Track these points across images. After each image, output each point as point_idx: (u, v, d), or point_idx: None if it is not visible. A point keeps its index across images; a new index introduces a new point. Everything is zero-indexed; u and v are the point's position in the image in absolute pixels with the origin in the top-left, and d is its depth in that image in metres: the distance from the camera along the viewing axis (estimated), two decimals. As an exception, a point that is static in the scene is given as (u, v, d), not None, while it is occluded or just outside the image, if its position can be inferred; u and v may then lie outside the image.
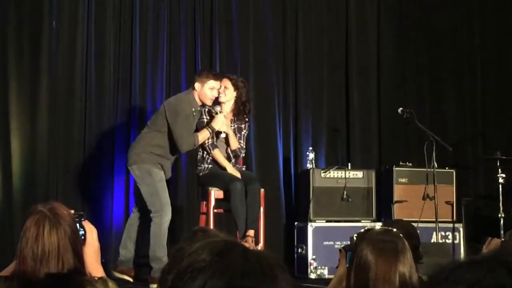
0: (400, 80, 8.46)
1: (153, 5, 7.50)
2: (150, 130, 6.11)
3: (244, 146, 6.33)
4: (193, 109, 6.07)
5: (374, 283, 2.52)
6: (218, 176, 6.14)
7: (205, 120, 6.15)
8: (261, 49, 7.90)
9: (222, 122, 6.06)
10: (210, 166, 6.20)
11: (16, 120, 6.89)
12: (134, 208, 6.32)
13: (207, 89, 6.03)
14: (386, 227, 2.98)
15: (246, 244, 5.79)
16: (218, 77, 6.13)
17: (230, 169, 6.15)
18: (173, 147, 6.07)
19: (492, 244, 3.58)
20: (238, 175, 6.10)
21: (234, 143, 6.21)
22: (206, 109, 6.16)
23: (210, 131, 6.04)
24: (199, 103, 6.11)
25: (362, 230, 2.88)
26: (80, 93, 7.16)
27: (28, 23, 7.04)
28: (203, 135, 6.05)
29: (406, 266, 2.55)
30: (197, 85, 6.07)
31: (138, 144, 6.13)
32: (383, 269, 2.53)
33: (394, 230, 2.75)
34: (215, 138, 6.18)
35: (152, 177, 5.97)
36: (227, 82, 6.20)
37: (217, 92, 6.09)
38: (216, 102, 6.21)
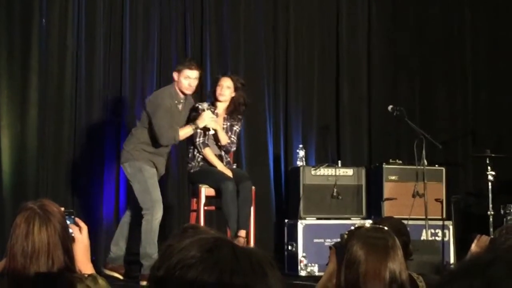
0: (390, 77, 8.48)
1: (144, 2, 7.48)
2: (138, 126, 6.11)
3: (235, 141, 6.33)
4: (176, 102, 6.06)
5: (364, 280, 2.53)
6: (209, 174, 6.14)
7: None
8: (252, 47, 7.90)
9: (209, 118, 6.05)
10: (201, 163, 6.20)
11: (6, 117, 6.87)
12: (127, 206, 6.31)
13: (182, 79, 6.03)
14: (377, 225, 3.00)
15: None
16: (193, 66, 6.09)
17: (221, 167, 6.15)
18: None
19: (481, 241, 3.59)
20: (229, 173, 6.11)
21: (224, 139, 6.21)
22: (199, 106, 6.15)
23: (194, 127, 6.02)
24: (181, 95, 6.10)
25: (353, 227, 2.89)
26: (70, 91, 7.14)
27: (18, 21, 7.01)
28: (185, 131, 6.02)
29: (396, 263, 2.56)
30: (175, 74, 6.09)
31: (129, 141, 6.12)
32: (373, 266, 2.54)
33: (385, 228, 2.77)
34: (206, 137, 6.18)
35: (143, 174, 5.96)
36: (229, 82, 6.21)
37: (194, 81, 6.04)
38: (213, 96, 6.20)
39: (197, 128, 6.04)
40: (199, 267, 1.22)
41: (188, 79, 6.02)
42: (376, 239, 2.60)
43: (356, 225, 2.93)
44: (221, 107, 6.23)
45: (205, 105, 6.10)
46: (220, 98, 6.20)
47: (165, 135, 5.92)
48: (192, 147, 6.23)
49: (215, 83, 6.33)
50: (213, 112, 6.10)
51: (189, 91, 6.09)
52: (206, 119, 6.04)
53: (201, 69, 6.32)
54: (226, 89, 6.19)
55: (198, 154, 6.20)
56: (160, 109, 5.94)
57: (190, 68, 6.04)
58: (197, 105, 6.15)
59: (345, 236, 2.76)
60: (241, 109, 6.29)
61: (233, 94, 6.23)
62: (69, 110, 7.13)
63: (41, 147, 6.99)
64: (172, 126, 5.96)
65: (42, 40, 7.08)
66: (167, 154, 6.22)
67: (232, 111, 6.25)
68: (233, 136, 6.28)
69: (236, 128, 6.31)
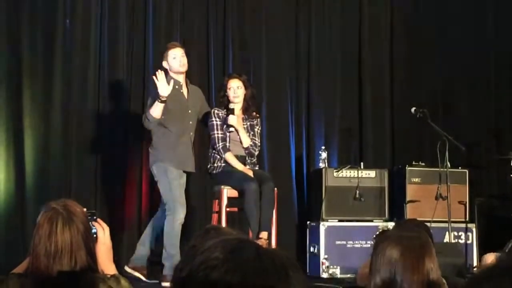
0: (413, 79, 8.43)
1: (166, 3, 7.50)
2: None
3: (258, 143, 6.33)
4: (177, 86, 6.06)
5: (402, 278, 2.49)
6: (232, 175, 6.14)
7: (215, 123, 6.17)
8: (274, 47, 7.90)
9: (234, 119, 6.08)
10: (223, 164, 6.21)
11: (29, 118, 6.91)
12: (159, 207, 6.30)
13: (171, 60, 6.05)
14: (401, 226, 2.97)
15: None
16: (175, 45, 6.16)
17: (242, 168, 6.15)
18: (179, 128, 6.05)
19: (487, 260, 3.55)
20: (251, 173, 6.10)
21: (246, 140, 6.21)
22: (215, 111, 6.17)
23: (160, 100, 5.85)
24: (179, 78, 6.11)
25: (380, 228, 2.87)
26: (93, 92, 7.17)
27: (42, 22, 7.06)
28: (153, 107, 5.89)
29: (433, 260, 2.54)
30: (164, 63, 6.11)
31: (152, 142, 6.14)
32: (411, 262, 2.51)
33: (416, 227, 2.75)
34: (228, 140, 6.18)
35: (167, 176, 5.98)
36: (239, 82, 6.23)
37: (183, 58, 6.06)
38: (227, 101, 6.21)
39: (161, 99, 5.83)
40: (222, 268, 1.22)
41: (175, 59, 6.05)
42: (410, 239, 2.58)
43: (382, 228, 2.90)
44: (237, 108, 6.24)
45: (233, 120, 6.13)
46: (235, 100, 6.21)
47: (145, 118, 5.93)
48: (213, 151, 6.24)
49: (223, 88, 6.31)
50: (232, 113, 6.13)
51: (183, 68, 6.10)
52: (232, 121, 6.07)
53: (183, 46, 6.31)
54: (238, 89, 6.21)
55: (219, 157, 6.21)
56: (151, 96, 5.99)
57: (173, 47, 6.09)
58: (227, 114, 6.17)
59: (377, 235, 2.73)
60: (255, 104, 6.32)
61: (244, 92, 6.24)
62: (93, 111, 7.15)
63: (64, 148, 7.02)
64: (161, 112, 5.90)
65: (66, 41, 7.11)
66: (191, 146, 6.15)
67: (247, 108, 6.27)
68: (256, 138, 6.27)
69: (257, 129, 6.31)
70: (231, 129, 6.14)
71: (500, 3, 8.67)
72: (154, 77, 5.87)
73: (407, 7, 8.49)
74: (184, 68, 6.11)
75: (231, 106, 6.16)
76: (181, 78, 6.14)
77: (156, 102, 5.86)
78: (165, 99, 5.84)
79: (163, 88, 5.82)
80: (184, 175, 6.11)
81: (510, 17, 8.67)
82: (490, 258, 3.57)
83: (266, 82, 7.73)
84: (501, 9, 8.65)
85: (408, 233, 2.64)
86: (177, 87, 6.07)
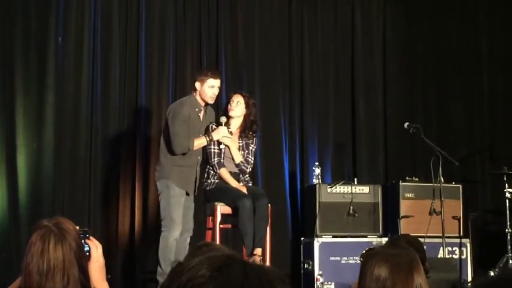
0: (406, 94, 8.45)
1: (159, 22, 7.52)
2: (163, 141, 6.13)
3: (252, 161, 6.34)
4: (197, 110, 6.08)
5: None
6: (226, 192, 6.13)
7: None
8: (267, 64, 7.91)
9: (224, 133, 6.09)
10: (217, 181, 6.21)
11: (22, 136, 6.90)
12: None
13: (207, 88, 6.05)
14: (392, 242, 2.97)
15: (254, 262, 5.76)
16: (217, 75, 6.15)
17: (236, 185, 6.15)
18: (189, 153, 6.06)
19: None
20: (245, 190, 6.10)
21: (237, 157, 6.23)
22: (213, 126, 6.18)
23: (208, 139, 6.03)
24: (202, 103, 6.12)
25: (368, 247, 2.87)
26: (86, 109, 7.16)
27: (35, 40, 7.06)
28: (200, 142, 6.03)
29: (421, 276, 2.54)
30: (197, 84, 6.10)
31: (159, 159, 6.15)
32: (400, 279, 2.51)
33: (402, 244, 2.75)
34: (222, 156, 6.19)
35: (168, 192, 5.99)
36: (240, 98, 6.25)
37: (217, 90, 6.08)
38: (225, 113, 6.24)
39: (211, 140, 6.06)
40: (209, 286, 1.22)
41: (213, 88, 6.05)
42: (398, 257, 2.58)
43: (373, 246, 2.90)
44: (235, 125, 6.25)
45: (224, 119, 6.13)
46: (230, 113, 6.22)
47: (178, 142, 5.94)
48: (208, 167, 6.24)
49: (227, 101, 6.37)
50: (228, 129, 6.13)
51: (212, 101, 6.12)
52: (222, 133, 6.07)
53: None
54: (236, 104, 6.22)
55: (213, 173, 6.22)
56: (178, 117, 5.97)
57: (215, 77, 6.08)
58: (218, 121, 6.17)
59: (363, 254, 2.73)
60: (253, 127, 6.31)
61: (244, 111, 6.25)
62: (85, 128, 7.14)
63: (57, 166, 7.00)
64: (187, 135, 5.97)
65: (58, 58, 7.12)
66: (196, 169, 6.18)
67: (244, 129, 6.28)
68: (250, 156, 6.28)
69: (252, 147, 6.32)
70: (222, 145, 6.15)
71: (493, 17, 8.70)
72: (222, 123, 6.07)
73: (400, 22, 8.52)
74: (213, 101, 6.14)
75: (223, 120, 6.14)
76: (203, 103, 6.16)
77: (205, 140, 6.03)
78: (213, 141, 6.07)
79: (221, 136, 6.09)
80: (189, 198, 6.11)
81: (504, 28, 8.70)
82: None
83: (260, 98, 7.74)
84: (495, 24, 8.69)
85: (395, 251, 2.64)
86: (196, 109, 6.09)
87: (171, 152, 5.99)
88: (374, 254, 2.65)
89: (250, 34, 7.88)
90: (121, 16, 7.38)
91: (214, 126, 6.16)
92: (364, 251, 2.76)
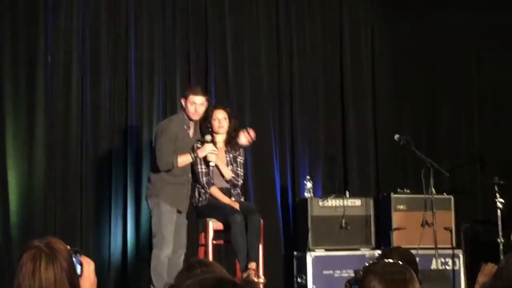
0: (396, 106, 8.48)
1: (147, 40, 7.52)
2: (154, 158, 6.11)
3: (242, 173, 6.32)
4: (185, 127, 6.08)
5: None
6: (217, 207, 6.12)
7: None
8: (256, 79, 7.92)
9: (210, 150, 6.06)
10: (208, 197, 6.19)
11: (12, 157, 6.87)
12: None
13: (189, 104, 6.05)
14: (385, 255, 2.97)
15: (249, 277, 5.71)
16: (198, 92, 6.10)
17: (227, 201, 6.15)
18: (181, 169, 6.04)
19: (486, 270, 3.56)
20: (237, 206, 6.09)
21: (227, 173, 6.22)
22: (199, 144, 6.15)
23: (194, 156, 6.01)
24: (190, 121, 6.12)
25: (367, 263, 2.87)
26: (76, 128, 7.15)
27: (24, 59, 7.06)
28: (184, 158, 6.00)
29: None
30: (182, 101, 6.13)
31: (150, 176, 6.14)
32: None
33: (400, 262, 2.75)
34: (211, 174, 6.17)
35: (159, 209, 5.98)
36: (224, 113, 6.24)
37: (200, 107, 6.04)
38: (213, 131, 6.21)
39: (196, 157, 6.04)
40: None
41: (194, 105, 6.04)
42: (393, 274, 2.58)
43: (371, 262, 2.90)
44: (220, 139, 6.25)
45: (209, 137, 6.11)
46: (220, 130, 6.21)
47: (163, 159, 5.94)
48: (198, 186, 6.22)
49: (207, 118, 6.28)
50: (215, 145, 6.11)
51: (195, 117, 6.09)
52: (207, 150, 6.05)
53: (207, 95, 6.33)
54: (223, 120, 6.22)
55: (204, 191, 6.20)
56: (165, 134, 5.98)
57: (195, 94, 6.07)
58: (203, 138, 6.15)
59: (361, 272, 2.73)
60: (236, 136, 6.31)
61: (229, 124, 6.25)
62: (76, 147, 7.13)
63: (48, 186, 6.98)
64: (172, 152, 5.95)
65: (48, 78, 7.11)
66: (188, 187, 6.18)
67: (229, 140, 6.27)
68: (239, 169, 6.27)
69: (240, 159, 6.30)
70: (211, 163, 6.12)
71: (484, 30, 8.74)
72: (208, 140, 6.04)
73: (389, 34, 8.55)
74: (197, 117, 6.10)
75: (208, 138, 6.11)
76: (192, 120, 6.14)
77: (189, 157, 5.99)
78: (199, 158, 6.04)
79: (206, 153, 6.03)
80: (181, 215, 6.10)
81: (492, 42, 8.74)
82: (489, 268, 3.58)
83: (249, 113, 7.74)
84: (484, 36, 8.72)
85: (392, 268, 2.64)
86: (185, 126, 6.09)
87: (157, 168, 5.98)
88: (371, 270, 2.65)
89: (239, 54, 7.87)
90: (110, 34, 7.38)
91: (199, 145, 6.13)
92: (361, 269, 2.76)
